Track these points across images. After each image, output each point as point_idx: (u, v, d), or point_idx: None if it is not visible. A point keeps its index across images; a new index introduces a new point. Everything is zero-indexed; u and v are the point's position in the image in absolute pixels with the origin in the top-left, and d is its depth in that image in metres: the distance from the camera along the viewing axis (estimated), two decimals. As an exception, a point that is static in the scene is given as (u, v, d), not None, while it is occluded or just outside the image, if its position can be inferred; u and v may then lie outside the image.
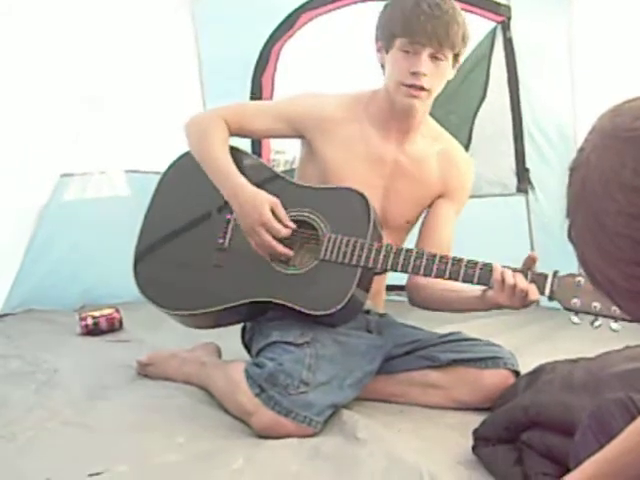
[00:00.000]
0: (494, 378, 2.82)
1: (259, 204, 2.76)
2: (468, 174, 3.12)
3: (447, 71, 2.83)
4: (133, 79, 4.54)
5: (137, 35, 4.48)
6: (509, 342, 3.16)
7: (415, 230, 3.10)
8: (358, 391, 2.74)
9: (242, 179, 2.84)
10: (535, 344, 3.65)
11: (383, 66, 2.91)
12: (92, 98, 4.44)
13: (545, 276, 2.54)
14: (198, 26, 4.72)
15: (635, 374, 2.27)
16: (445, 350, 2.90)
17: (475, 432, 2.42)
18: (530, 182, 4.49)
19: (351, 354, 2.75)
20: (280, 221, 2.76)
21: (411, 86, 2.77)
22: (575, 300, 2.45)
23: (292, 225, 2.78)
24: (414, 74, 2.75)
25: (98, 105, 4.47)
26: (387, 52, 2.83)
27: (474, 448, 2.39)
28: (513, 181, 4.57)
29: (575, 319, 2.48)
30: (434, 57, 2.75)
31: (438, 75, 2.80)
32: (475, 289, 2.66)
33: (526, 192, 4.52)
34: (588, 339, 3.43)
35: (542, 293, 2.53)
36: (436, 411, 2.81)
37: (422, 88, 2.78)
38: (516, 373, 2.84)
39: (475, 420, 2.52)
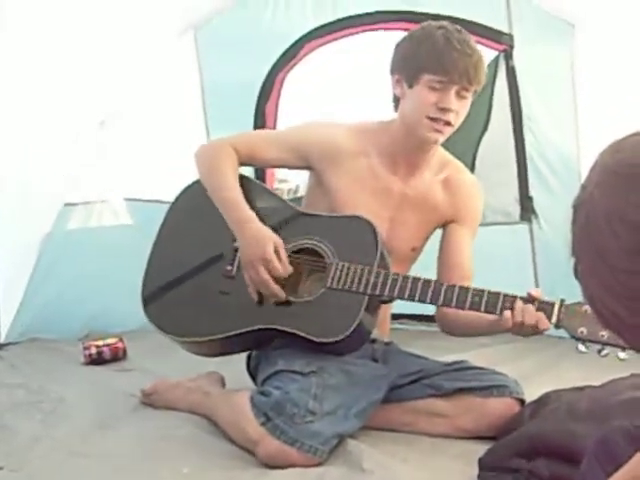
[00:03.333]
0: (499, 407, 2.81)
1: (264, 240, 2.76)
2: (476, 196, 3.13)
3: (468, 107, 2.86)
4: (135, 106, 4.55)
5: (140, 62, 4.50)
6: (514, 371, 3.15)
7: (429, 261, 3.10)
8: (364, 420, 2.73)
9: (250, 212, 2.85)
10: (540, 373, 3.64)
11: (397, 98, 2.93)
12: (94, 127, 4.46)
13: (552, 305, 2.54)
14: (201, 53, 4.73)
15: (641, 402, 2.27)
16: (450, 379, 2.89)
17: (480, 461, 2.41)
18: (533, 210, 4.49)
19: (357, 383, 2.74)
20: (280, 261, 2.76)
21: (436, 120, 2.79)
22: (582, 329, 2.45)
23: (290, 268, 2.78)
24: (442, 110, 2.77)
25: (101, 133, 4.49)
26: (410, 86, 2.83)
27: (480, 477, 2.38)
28: (516, 209, 4.57)
29: (582, 348, 2.47)
30: (459, 94, 2.78)
31: (462, 111, 2.83)
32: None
33: (530, 220, 4.52)
34: (593, 367, 3.42)
35: (549, 321, 2.53)
36: (441, 440, 2.80)
37: (448, 123, 2.80)
38: (521, 402, 2.84)
39: (480, 449, 2.52)
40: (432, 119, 2.79)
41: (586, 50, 4.16)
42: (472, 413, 2.82)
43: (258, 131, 3.60)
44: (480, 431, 2.81)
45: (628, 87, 4.03)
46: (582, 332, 2.45)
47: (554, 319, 2.52)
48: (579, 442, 2.12)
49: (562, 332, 4.21)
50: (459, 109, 2.81)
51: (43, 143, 4.17)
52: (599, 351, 2.43)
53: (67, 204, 4.45)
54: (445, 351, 3.66)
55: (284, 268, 2.76)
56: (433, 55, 2.76)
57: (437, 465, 2.58)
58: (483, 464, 2.40)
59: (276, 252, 2.75)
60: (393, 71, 2.91)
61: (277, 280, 2.76)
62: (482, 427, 2.81)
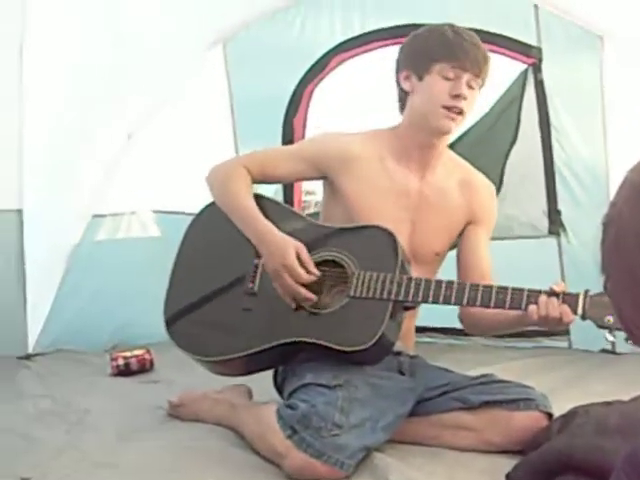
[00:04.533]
0: (526, 420, 2.79)
1: (284, 248, 2.77)
2: (491, 197, 3.17)
3: (476, 100, 2.91)
4: (165, 119, 4.57)
5: (169, 76, 4.52)
6: (541, 384, 3.13)
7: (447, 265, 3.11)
8: (390, 434, 2.72)
9: (267, 223, 2.86)
10: (568, 386, 3.61)
11: (404, 97, 2.98)
12: (124, 139, 4.48)
13: (577, 296, 2.54)
14: (230, 66, 4.76)
15: (670, 417, 2.25)
16: (477, 392, 2.88)
17: (508, 476, 2.40)
18: (562, 224, 4.48)
19: (384, 397, 2.73)
20: (304, 266, 2.77)
21: (451, 108, 2.83)
22: (608, 317, 2.44)
23: (316, 272, 2.78)
24: (456, 97, 2.82)
25: (130, 145, 4.51)
26: (421, 79, 2.87)
27: (507, 492, 2.37)
28: (545, 223, 4.55)
29: (610, 337, 2.47)
30: (469, 84, 2.83)
31: (471, 102, 2.88)
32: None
33: (558, 234, 4.50)
34: (622, 381, 3.41)
35: (575, 313, 2.53)
36: (468, 454, 2.78)
37: (460, 112, 2.84)
38: (549, 415, 2.81)
39: (507, 464, 2.50)
40: (446, 107, 2.83)
41: (615, 63, 4.15)
42: (499, 426, 2.80)
43: (269, 148, 3.62)
44: (507, 445, 2.78)
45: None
46: (608, 320, 2.44)
47: (579, 310, 2.52)
48: (608, 458, 2.10)
49: (589, 345, 4.21)
50: (469, 98, 2.85)
51: (72, 155, 4.19)
52: (626, 339, 2.42)
53: (95, 215, 4.48)
54: (471, 364, 3.65)
55: (308, 272, 2.76)
56: (444, 44, 2.84)
57: (463, 479, 2.57)
58: (511, 479, 2.38)
59: (298, 258, 2.76)
60: (400, 68, 2.96)
61: (306, 285, 2.77)
62: (509, 441, 2.78)
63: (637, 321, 1.10)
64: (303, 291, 2.75)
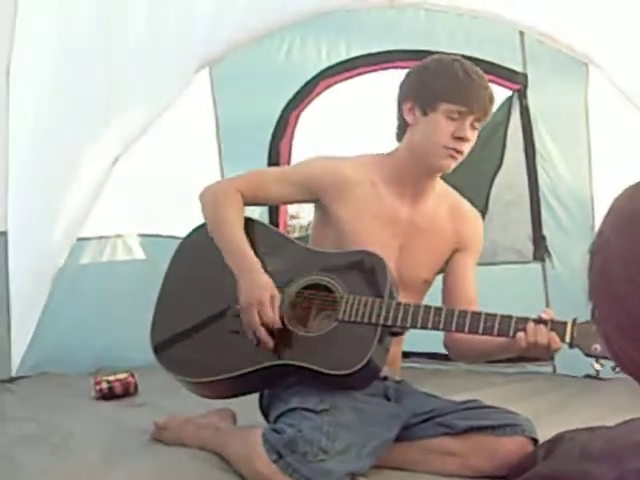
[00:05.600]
0: (512, 445, 2.79)
1: (261, 288, 2.77)
2: (478, 224, 3.20)
3: (475, 138, 2.92)
4: (150, 142, 4.57)
5: (155, 98, 4.52)
6: (526, 410, 3.12)
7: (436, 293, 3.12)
8: (376, 459, 2.71)
9: (254, 262, 2.86)
10: (553, 412, 3.62)
11: (404, 126, 2.98)
12: (110, 162, 4.48)
13: (565, 324, 2.56)
14: (216, 90, 4.77)
15: (656, 443, 2.24)
16: (462, 417, 2.88)
17: (494, 502, 2.39)
18: (547, 249, 4.49)
19: (370, 422, 2.73)
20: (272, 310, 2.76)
21: (452, 149, 2.84)
22: (595, 346, 2.46)
23: (279, 323, 2.75)
24: (459, 139, 2.83)
25: (116, 168, 4.50)
26: (425, 114, 2.88)
27: (493, 518, 2.36)
28: (530, 248, 4.57)
29: (596, 366, 2.49)
30: (472, 125, 2.85)
31: (472, 142, 2.90)
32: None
33: (543, 260, 4.52)
34: (607, 407, 3.41)
35: (563, 340, 2.55)
36: (454, 480, 2.79)
37: (461, 152, 2.86)
38: (534, 441, 2.81)
39: (493, 489, 2.50)
40: (447, 148, 2.84)
41: (600, 89, 4.18)
42: (484, 452, 2.80)
43: (262, 169, 3.64)
44: (492, 470, 2.78)
45: (642, 127, 4.04)
46: (596, 349, 2.46)
47: (567, 338, 2.54)
48: (593, 483, 2.10)
49: (574, 370, 4.22)
50: (472, 139, 2.88)
51: (58, 177, 4.18)
52: (613, 368, 2.43)
53: (80, 239, 4.46)
54: (457, 390, 3.65)
55: (274, 317, 2.75)
56: (454, 85, 2.83)
57: (449, 505, 2.56)
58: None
59: (271, 302, 2.76)
60: (405, 98, 2.95)
61: (269, 329, 2.75)
62: (494, 466, 2.78)
63: (624, 347, 1.10)
64: (264, 333, 2.74)
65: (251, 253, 2.88)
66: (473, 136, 2.88)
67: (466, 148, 2.87)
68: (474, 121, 2.85)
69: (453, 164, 2.89)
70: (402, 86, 3.00)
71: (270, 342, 2.75)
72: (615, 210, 1.13)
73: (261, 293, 2.75)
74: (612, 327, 1.12)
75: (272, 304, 2.75)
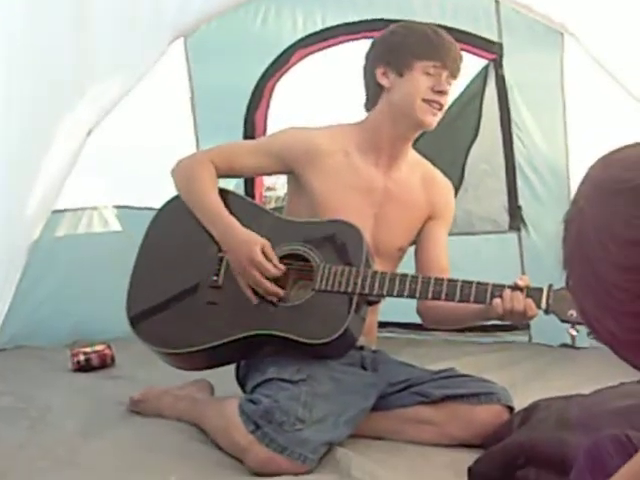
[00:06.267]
0: (487, 414, 2.81)
1: (249, 243, 2.79)
2: (451, 194, 3.23)
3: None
4: (125, 113, 4.53)
5: (129, 69, 4.49)
6: (502, 379, 3.14)
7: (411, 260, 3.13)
8: (353, 428, 2.73)
9: (232, 220, 2.88)
10: (529, 381, 3.63)
11: (376, 93, 3.01)
12: (83, 134, 4.45)
13: (541, 290, 2.59)
14: (191, 61, 4.73)
15: (631, 410, 2.27)
16: (438, 386, 2.90)
17: (470, 469, 2.41)
18: (522, 219, 4.49)
19: (346, 391, 2.74)
20: (270, 261, 2.77)
21: (432, 102, 2.89)
22: (571, 312, 2.48)
23: (282, 267, 2.80)
24: (439, 92, 2.89)
25: (90, 140, 4.47)
26: (401, 75, 2.91)
27: (469, 486, 2.37)
28: (505, 218, 4.56)
29: (572, 331, 2.51)
30: (447, 81, 2.91)
31: (449, 98, 2.97)
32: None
33: (518, 229, 4.52)
34: (582, 375, 3.43)
35: (539, 307, 2.58)
36: (430, 448, 2.80)
37: (441, 107, 2.91)
38: (510, 409, 2.84)
39: (469, 457, 2.51)
40: (428, 101, 2.88)
41: (576, 58, 4.17)
42: (460, 420, 2.82)
43: (236, 142, 3.63)
44: (468, 439, 2.81)
45: (618, 96, 4.04)
46: (571, 315, 2.48)
47: (543, 304, 2.58)
48: (569, 451, 2.12)
49: (549, 339, 4.24)
50: (449, 94, 2.95)
51: (30, 149, 4.15)
52: (588, 333, 2.44)
53: (55, 211, 4.43)
54: (433, 359, 3.67)
55: (275, 267, 2.77)
56: (426, 43, 2.90)
57: (426, 473, 2.57)
58: (473, 473, 2.39)
59: (264, 253, 2.76)
60: (376, 64, 2.99)
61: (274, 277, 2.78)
62: (470, 434, 2.81)
63: (598, 316, 1.11)
64: (270, 286, 2.76)
65: (228, 214, 2.90)
66: (449, 91, 2.94)
67: (445, 102, 2.93)
68: (448, 77, 2.91)
69: (435, 119, 2.93)
70: (369, 55, 3.04)
71: (280, 291, 2.79)
72: (589, 179, 1.13)
73: (250, 249, 2.77)
74: (586, 295, 1.12)
75: (266, 254, 2.79)
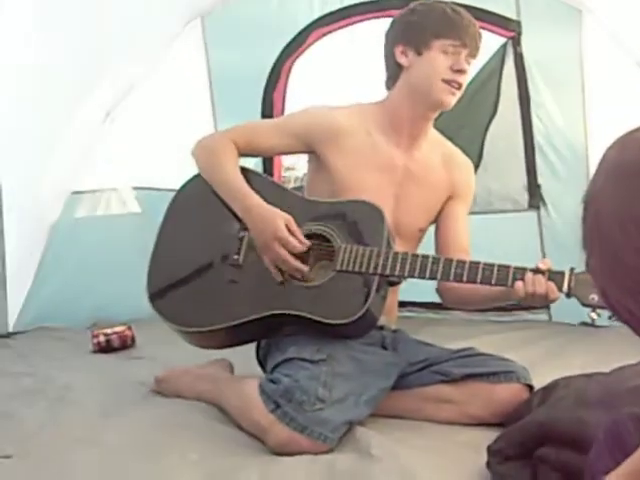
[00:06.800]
0: (507, 392, 2.80)
1: (273, 220, 2.78)
2: (471, 173, 3.23)
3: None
4: (143, 96, 4.55)
5: (147, 51, 4.50)
6: (522, 358, 3.14)
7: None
8: (373, 408, 2.73)
9: (255, 196, 2.87)
10: (549, 359, 3.64)
11: (396, 73, 3.00)
12: (103, 116, 4.46)
13: (562, 274, 2.57)
14: (208, 42, 4.74)
15: (650, 389, 2.26)
16: (458, 365, 2.89)
17: (489, 448, 2.40)
18: (542, 198, 4.49)
19: (367, 371, 2.74)
20: (295, 237, 2.77)
21: (450, 82, 2.88)
22: (593, 296, 2.47)
23: (306, 242, 2.79)
24: (458, 71, 2.88)
25: (109, 122, 4.49)
26: (420, 54, 2.91)
27: (488, 464, 2.37)
28: (525, 197, 4.56)
29: (593, 315, 2.50)
30: (466, 60, 2.90)
31: (467, 77, 2.95)
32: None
33: (538, 208, 4.51)
34: (602, 354, 3.43)
35: (560, 290, 2.57)
36: (450, 427, 2.80)
37: (459, 87, 2.90)
38: (529, 387, 2.83)
39: (489, 436, 2.51)
40: (446, 81, 2.87)
41: (594, 36, 4.15)
42: (480, 399, 2.82)
43: (256, 121, 3.63)
44: (488, 417, 2.80)
45: (636, 74, 4.02)
46: (593, 299, 2.47)
47: (565, 288, 2.56)
48: (588, 430, 2.11)
49: (569, 318, 4.23)
50: (468, 72, 2.95)
51: (50, 132, 4.17)
52: (610, 317, 2.44)
53: (74, 192, 4.46)
54: (453, 338, 3.67)
55: (300, 242, 2.78)
56: (444, 21, 2.89)
57: (446, 452, 2.57)
58: (492, 451, 2.39)
59: (288, 229, 2.77)
60: (396, 43, 2.98)
61: (296, 256, 2.78)
62: (490, 413, 2.80)
63: (618, 297, 1.11)
64: (295, 262, 2.77)
65: (251, 191, 2.90)
66: (468, 70, 2.93)
67: (464, 81, 2.92)
68: (467, 56, 2.89)
69: (453, 99, 2.92)
70: (389, 34, 3.03)
71: (304, 267, 2.79)
72: (606, 161, 1.13)
73: (274, 224, 2.78)
74: (607, 278, 1.12)
75: (291, 229, 2.79)
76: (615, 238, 1.07)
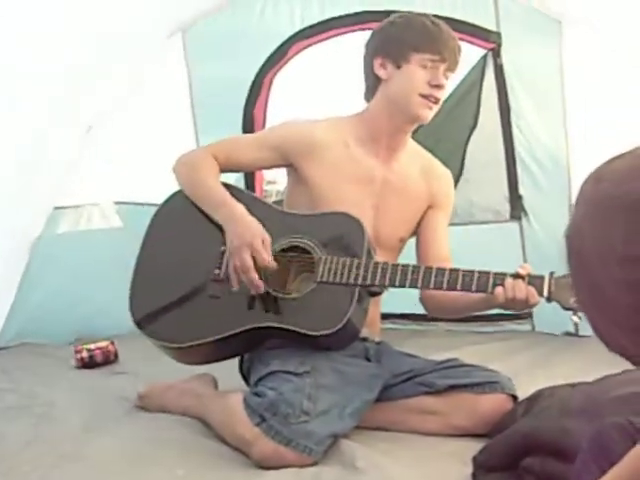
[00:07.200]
0: (491, 403, 2.81)
1: (253, 231, 2.79)
2: (450, 184, 3.25)
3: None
4: (124, 110, 4.55)
5: (128, 66, 4.50)
6: (506, 368, 3.15)
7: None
8: (357, 420, 2.73)
9: (237, 204, 2.89)
10: (532, 369, 3.64)
11: (374, 84, 3.00)
12: (84, 130, 4.45)
13: (542, 278, 2.58)
14: (190, 56, 4.74)
15: (634, 398, 2.26)
16: (442, 376, 2.90)
17: (475, 459, 2.41)
18: (523, 209, 4.50)
19: (351, 383, 2.74)
20: (266, 253, 2.77)
21: (428, 97, 2.88)
22: (574, 299, 2.47)
23: (274, 264, 2.78)
24: (435, 86, 2.88)
25: (90, 137, 4.48)
26: (398, 67, 2.91)
27: (474, 476, 2.38)
28: (506, 208, 4.57)
29: (575, 318, 2.52)
30: (444, 75, 2.90)
31: (446, 91, 2.96)
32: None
33: (519, 219, 4.52)
34: (585, 363, 3.44)
35: (540, 294, 2.57)
36: (435, 438, 2.80)
37: (437, 101, 2.90)
38: (514, 398, 2.84)
39: (474, 447, 2.51)
40: (424, 96, 2.88)
41: (574, 47, 4.17)
42: (464, 410, 2.82)
43: (234, 136, 3.62)
44: (473, 428, 2.81)
45: (617, 84, 4.04)
46: (573, 302, 2.48)
47: (545, 292, 2.57)
48: (572, 439, 2.12)
49: (552, 328, 4.24)
50: (446, 87, 2.94)
51: (33, 146, 4.15)
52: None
53: (57, 207, 4.45)
54: (436, 349, 3.68)
55: (269, 258, 2.76)
56: (424, 35, 2.89)
57: (431, 464, 2.57)
58: (477, 462, 2.40)
59: (264, 245, 2.77)
60: (375, 55, 2.98)
61: (260, 275, 2.77)
62: (475, 424, 2.81)
63: (609, 331, 1.12)
64: (255, 276, 2.75)
65: (235, 201, 2.91)
66: (446, 85, 2.93)
67: (442, 96, 2.92)
68: (446, 70, 2.89)
69: (430, 114, 2.92)
70: (369, 45, 3.03)
71: (262, 285, 2.77)
72: (583, 195, 1.13)
73: (253, 235, 2.77)
74: (596, 312, 1.13)
75: (265, 247, 2.77)
76: (598, 275, 1.07)
